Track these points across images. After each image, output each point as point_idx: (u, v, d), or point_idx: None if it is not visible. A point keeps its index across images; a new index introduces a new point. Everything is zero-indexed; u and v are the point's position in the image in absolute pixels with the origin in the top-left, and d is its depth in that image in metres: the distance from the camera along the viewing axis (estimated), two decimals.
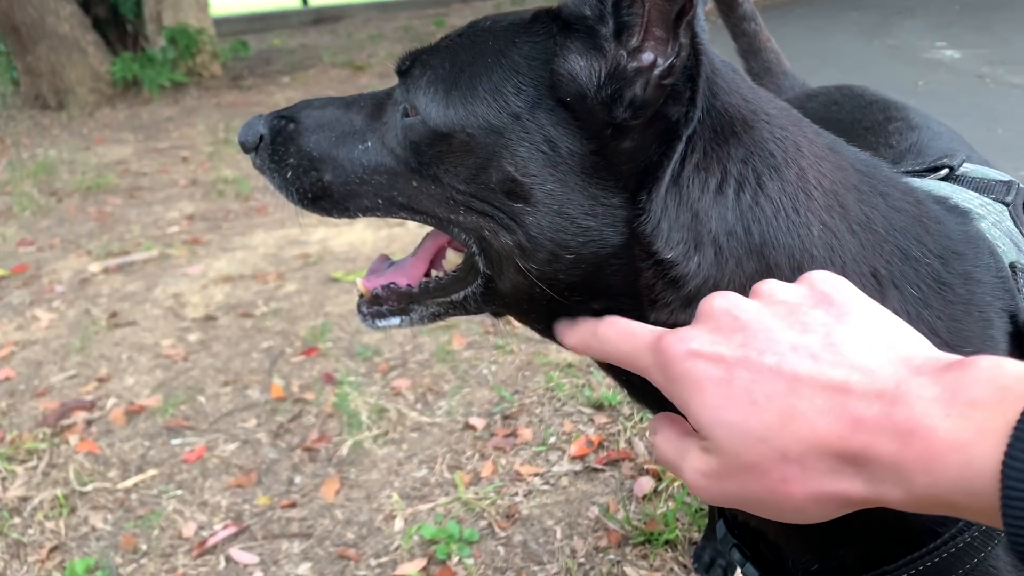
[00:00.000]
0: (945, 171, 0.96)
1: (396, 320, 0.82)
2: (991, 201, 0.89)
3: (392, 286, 0.82)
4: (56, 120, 7.77)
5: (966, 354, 0.50)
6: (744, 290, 0.61)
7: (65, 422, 2.45)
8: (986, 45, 7.79)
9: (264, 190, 4.84)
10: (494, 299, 0.77)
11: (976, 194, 0.90)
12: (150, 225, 4.33)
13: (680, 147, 0.65)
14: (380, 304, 0.82)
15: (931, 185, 0.88)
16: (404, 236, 3.85)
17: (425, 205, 0.74)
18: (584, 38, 0.65)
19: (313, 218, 3.70)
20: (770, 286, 0.58)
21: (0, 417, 2.51)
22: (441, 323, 2.99)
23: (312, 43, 12.63)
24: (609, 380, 2.44)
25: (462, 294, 0.78)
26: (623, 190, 0.66)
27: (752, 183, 0.66)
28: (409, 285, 0.82)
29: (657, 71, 0.62)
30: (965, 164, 0.97)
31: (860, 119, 1.21)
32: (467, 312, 0.80)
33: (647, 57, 0.63)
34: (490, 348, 2.71)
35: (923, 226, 0.72)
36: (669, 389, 0.57)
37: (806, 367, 0.51)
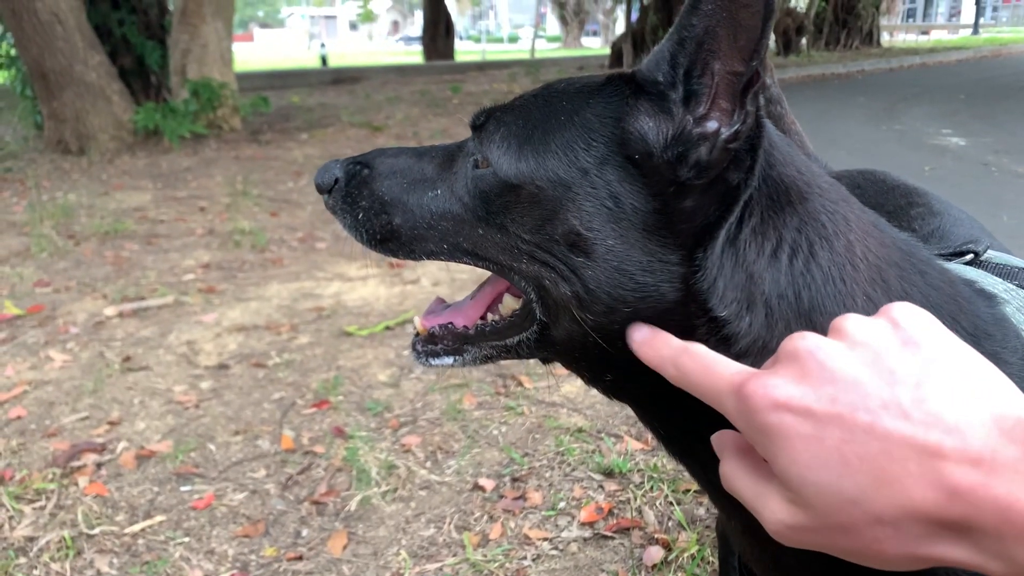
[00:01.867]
0: (970, 256, 1.00)
1: (449, 360, 0.84)
2: (1014, 287, 0.93)
3: (449, 326, 0.85)
4: (76, 165, 7.92)
5: None
6: None
7: (75, 463, 2.45)
8: (990, 134, 7.97)
9: (280, 243, 4.91)
10: (547, 346, 0.79)
11: (1000, 279, 0.93)
12: (166, 272, 4.39)
13: (738, 210, 0.68)
14: (435, 343, 0.85)
15: (958, 268, 0.92)
16: (417, 293, 3.90)
17: (489, 252, 0.77)
18: (655, 100, 0.69)
19: (327, 272, 3.74)
20: (852, 324, 0.56)
21: (10, 456, 2.51)
22: (453, 381, 2.98)
23: (331, 102, 12.92)
24: (620, 447, 2.45)
25: (517, 339, 0.80)
26: (680, 248, 0.69)
27: (805, 251, 0.69)
28: (466, 327, 0.85)
29: (722, 136, 0.66)
30: (989, 251, 1.01)
31: (883, 203, 1.26)
32: (518, 356, 0.82)
33: (711, 125, 0.66)
34: (501, 409, 2.72)
35: (958, 305, 0.75)
36: (753, 438, 0.56)
37: (898, 427, 0.50)
